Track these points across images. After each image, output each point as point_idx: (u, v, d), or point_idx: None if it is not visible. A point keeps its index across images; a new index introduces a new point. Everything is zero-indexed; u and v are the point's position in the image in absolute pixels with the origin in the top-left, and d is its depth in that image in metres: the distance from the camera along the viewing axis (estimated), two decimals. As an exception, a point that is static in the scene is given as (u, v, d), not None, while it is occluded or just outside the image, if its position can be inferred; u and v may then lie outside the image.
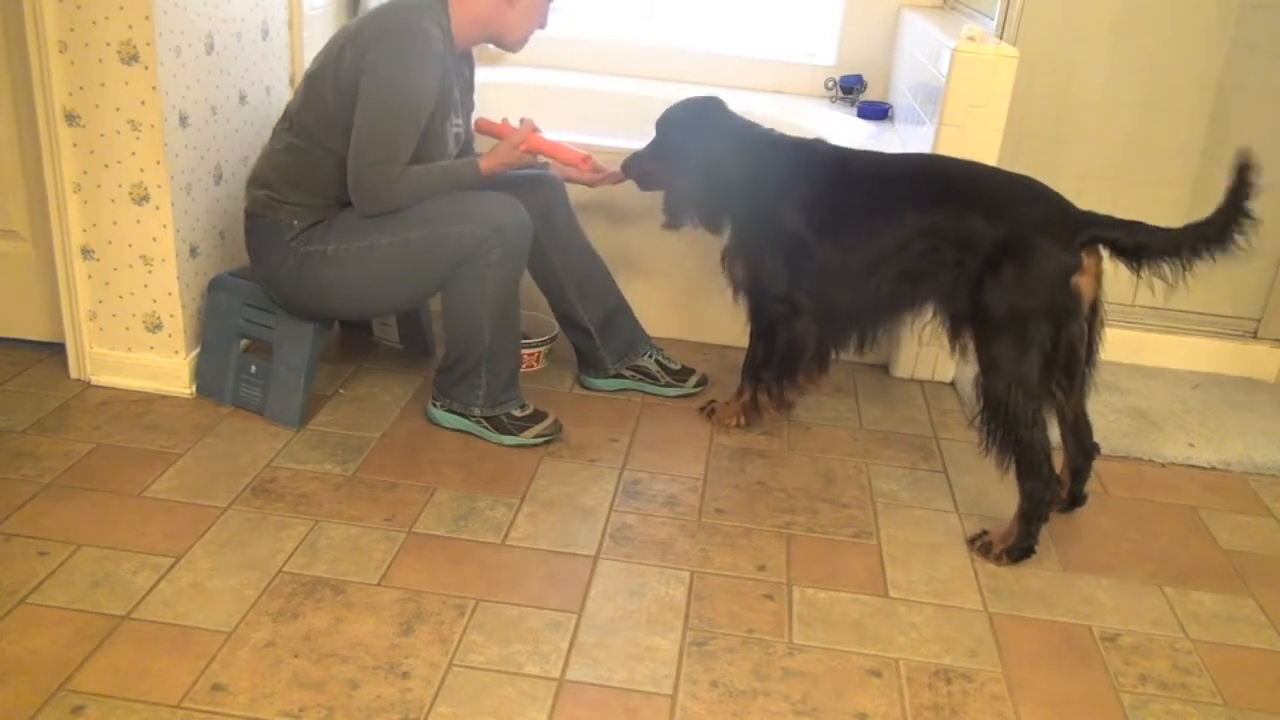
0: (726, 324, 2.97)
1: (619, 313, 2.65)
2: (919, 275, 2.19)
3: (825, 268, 2.28)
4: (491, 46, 2.42)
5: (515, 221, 2.24)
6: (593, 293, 2.60)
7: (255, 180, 2.29)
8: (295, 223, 2.24)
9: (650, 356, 2.67)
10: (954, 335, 2.19)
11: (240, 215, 2.34)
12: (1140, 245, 2.01)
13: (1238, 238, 1.94)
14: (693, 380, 2.68)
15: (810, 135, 2.47)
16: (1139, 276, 2.03)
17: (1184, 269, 1.99)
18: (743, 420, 2.55)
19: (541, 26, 2.39)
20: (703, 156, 2.38)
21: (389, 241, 2.21)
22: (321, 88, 2.20)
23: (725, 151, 2.38)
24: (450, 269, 2.23)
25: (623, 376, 2.67)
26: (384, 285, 2.27)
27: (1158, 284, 2.02)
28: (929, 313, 2.25)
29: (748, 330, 2.50)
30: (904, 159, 2.49)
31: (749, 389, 2.52)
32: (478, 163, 2.30)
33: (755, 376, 2.50)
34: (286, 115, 2.28)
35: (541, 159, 2.42)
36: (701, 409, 2.62)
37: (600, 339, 2.63)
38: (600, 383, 2.68)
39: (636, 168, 2.49)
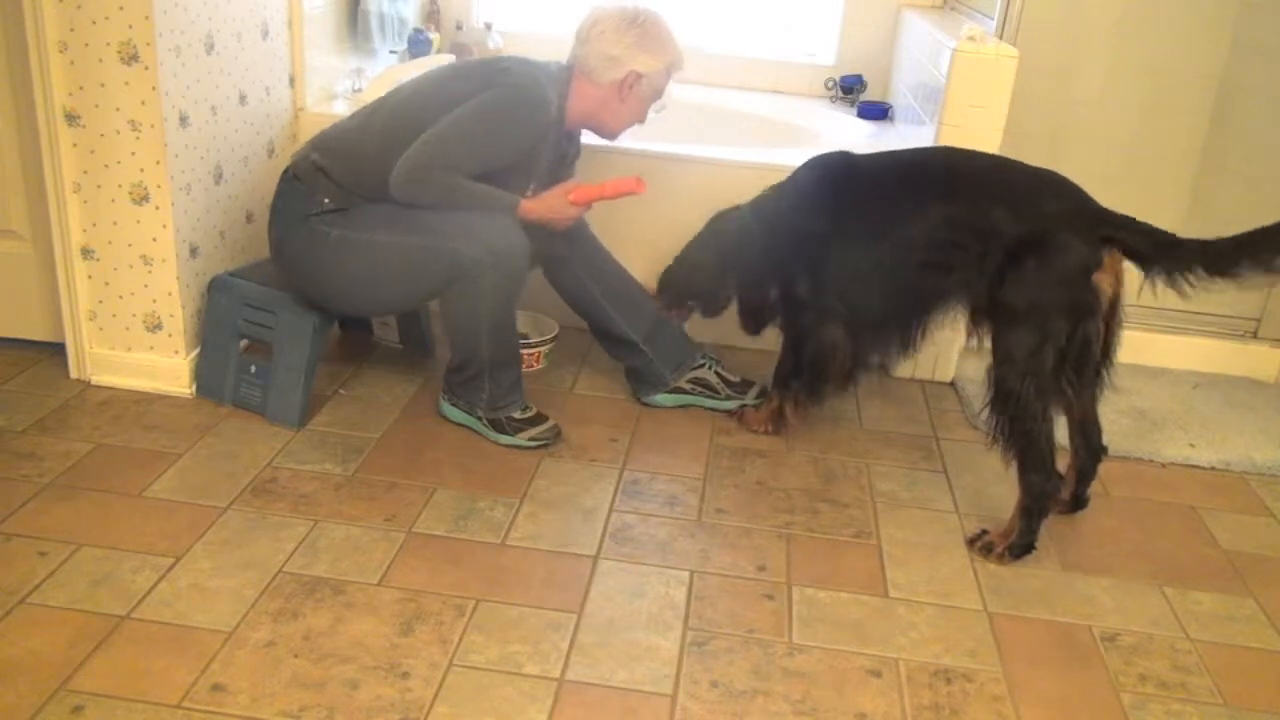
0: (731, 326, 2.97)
1: (664, 323, 2.60)
2: (942, 268, 2.18)
3: (849, 268, 2.29)
4: (490, 44, 2.42)
5: (510, 246, 2.24)
6: (633, 305, 2.57)
7: (314, 143, 2.32)
8: (325, 200, 2.25)
9: (710, 367, 2.61)
10: (973, 327, 2.19)
11: (241, 214, 2.35)
12: (1152, 252, 2.01)
13: (1247, 277, 1.95)
14: (753, 392, 2.61)
15: (810, 135, 2.48)
16: (1151, 282, 2.02)
17: (1192, 284, 1.98)
18: (770, 428, 2.54)
19: (640, 122, 2.44)
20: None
21: (388, 241, 2.22)
22: (428, 99, 2.25)
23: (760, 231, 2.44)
24: (444, 283, 2.24)
25: (683, 390, 2.61)
26: (375, 283, 2.27)
27: (1160, 285, 2.02)
28: (952, 307, 2.25)
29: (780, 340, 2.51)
30: (924, 152, 2.48)
31: (777, 397, 2.52)
32: (520, 201, 2.29)
33: (784, 385, 2.49)
34: (382, 102, 2.32)
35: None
36: (731, 413, 2.61)
37: (651, 351, 2.57)
38: (661, 398, 2.62)
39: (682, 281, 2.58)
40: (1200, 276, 1.97)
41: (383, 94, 2.37)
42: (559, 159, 2.45)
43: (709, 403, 2.62)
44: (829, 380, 2.42)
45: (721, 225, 2.52)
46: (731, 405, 2.61)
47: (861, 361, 2.43)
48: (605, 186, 2.36)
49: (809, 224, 2.33)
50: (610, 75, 2.33)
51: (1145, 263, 2.02)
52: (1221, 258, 1.96)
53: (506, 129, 2.24)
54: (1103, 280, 2.02)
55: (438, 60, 3.39)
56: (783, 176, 2.48)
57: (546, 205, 2.32)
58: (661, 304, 2.61)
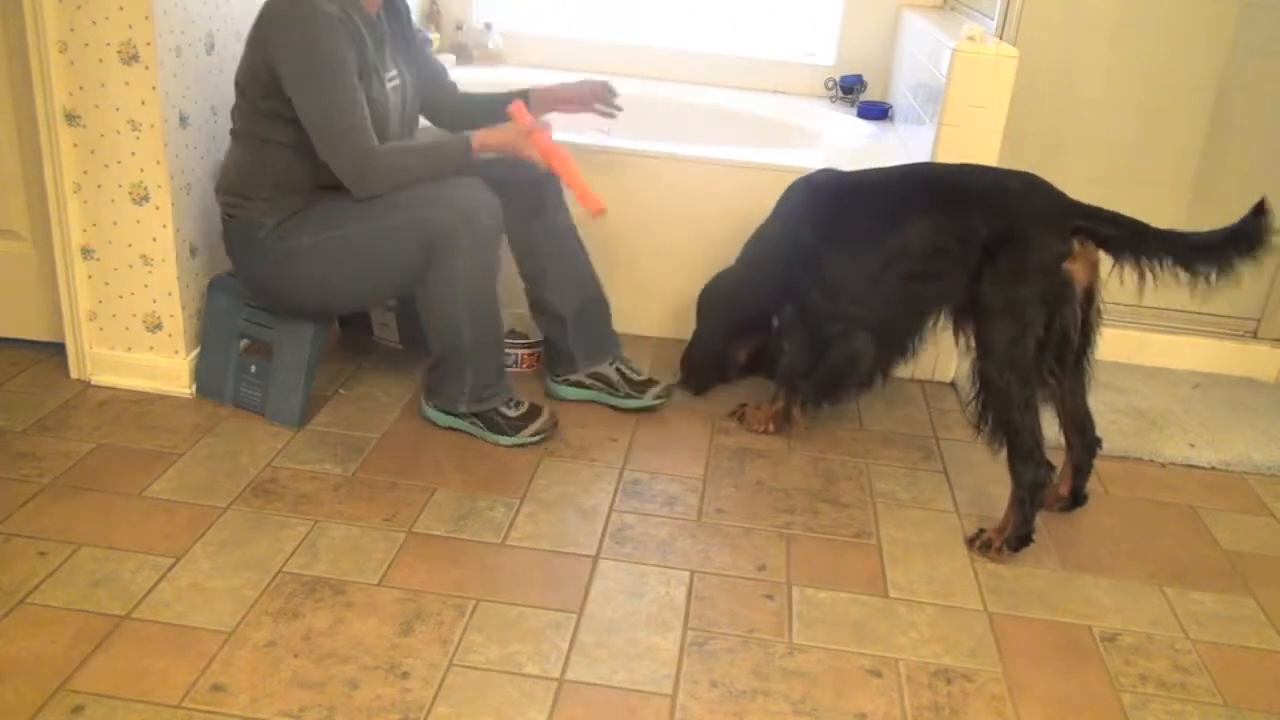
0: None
1: (595, 306, 2.58)
2: (928, 276, 2.22)
3: (847, 280, 2.31)
4: (490, 44, 2.41)
5: (479, 204, 2.21)
6: (571, 279, 2.54)
7: (221, 187, 2.30)
8: (267, 221, 2.24)
9: (612, 364, 2.59)
10: (958, 327, 2.23)
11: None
12: (1118, 239, 2.05)
13: (1213, 269, 1.99)
14: (652, 393, 2.58)
15: (810, 135, 2.48)
16: (1120, 269, 2.07)
17: (1158, 273, 2.03)
18: (771, 428, 2.54)
19: None
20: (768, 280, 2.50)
21: (361, 230, 2.20)
22: (244, 85, 2.20)
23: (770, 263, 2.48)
24: (423, 256, 2.21)
25: (584, 385, 2.59)
26: (361, 273, 2.26)
27: (1147, 282, 2.06)
28: (940, 313, 2.28)
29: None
30: (903, 169, 2.51)
31: (783, 398, 2.51)
32: (469, 138, 2.26)
33: (792, 387, 2.49)
34: (231, 128, 2.28)
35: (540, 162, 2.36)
36: (732, 413, 2.60)
37: (572, 330, 2.55)
38: (566, 391, 2.61)
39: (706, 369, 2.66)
40: (1167, 266, 2.02)
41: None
42: (401, 40, 2.37)
43: (609, 400, 2.59)
44: (850, 387, 2.43)
45: (723, 291, 2.58)
46: (630, 405, 2.58)
47: (885, 369, 2.43)
48: (571, 175, 2.31)
49: (808, 240, 2.35)
50: None
51: (1114, 250, 2.07)
52: (1187, 251, 2.00)
53: (324, 61, 2.09)
54: (1075, 269, 2.05)
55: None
56: (782, 177, 2.49)
57: (501, 141, 2.30)
58: (693, 388, 2.70)
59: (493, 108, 2.49)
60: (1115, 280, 2.12)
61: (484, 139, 2.28)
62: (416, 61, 2.44)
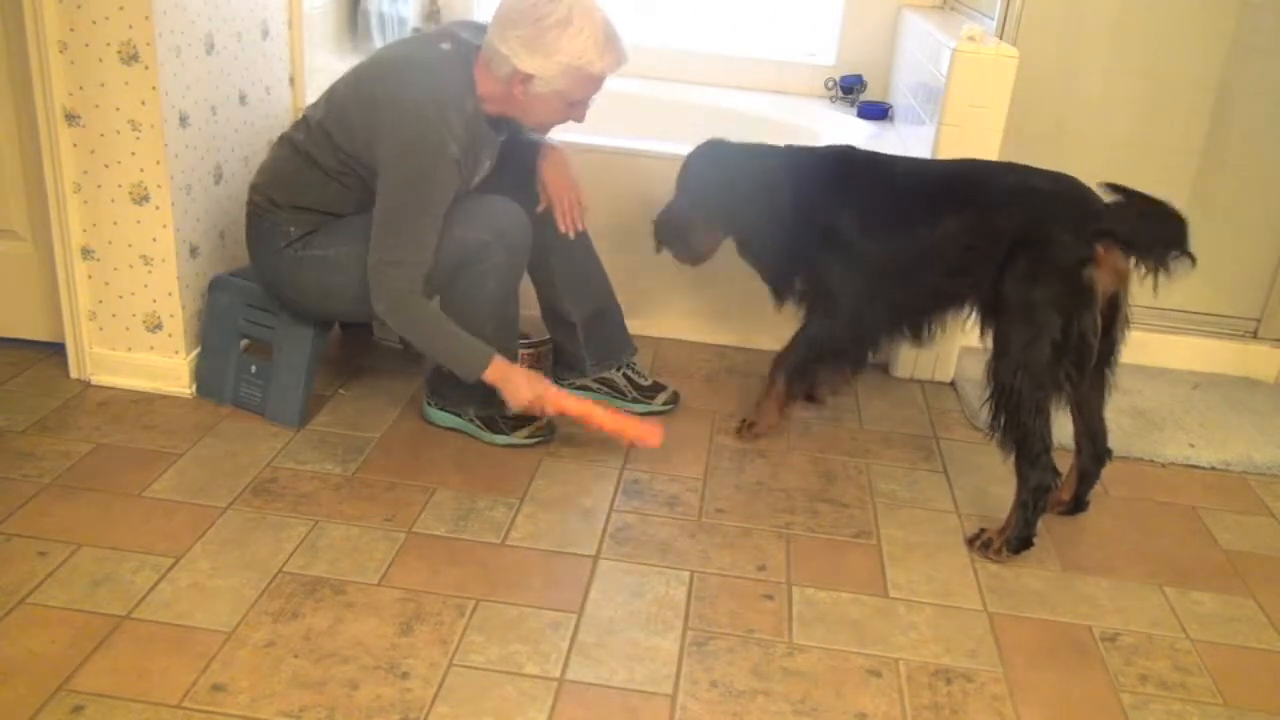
0: (721, 322, 2.98)
1: (608, 313, 2.58)
2: (957, 272, 2.21)
3: (873, 267, 2.28)
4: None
5: (516, 225, 2.24)
6: (584, 288, 2.54)
7: (257, 187, 2.28)
8: (291, 229, 2.23)
9: (619, 370, 2.58)
10: (984, 325, 2.21)
11: (240, 215, 2.35)
12: (1148, 242, 2.02)
13: None
14: (661, 398, 2.59)
15: (810, 135, 2.49)
16: (1165, 269, 2.02)
17: (1190, 259, 2.00)
18: (778, 418, 2.51)
19: (578, 120, 2.24)
20: (740, 185, 2.37)
21: None
22: (333, 130, 2.15)
23: (759, 173, 2.37)
24: (450, 272, 2.22)
25: (590, 390, 2.58)
26: None
27: (1166, 280, 2.02)
28: (966, 306, 2.26)
29: (795, 329, 2.47)
30: (942, 164, 2.50)
31: (781, 381, 2.48)
32: (492, 358, 2.18)
33: (785, 371, 2.46)
34: (293, 136, 2.24)
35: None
36: (738, 429, 2.54)
37: (584, 336, 2.55)
38: (570, 392, 2.58)
39: (671, 229, 2.47)
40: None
41: (299, 118, 2.30)
42: (512, 136, 2.34)
43: (616, 403, 2.57)
44: (839, 367, 2.42)
45: (717, 172, 2.43)
46: (638, 409, 2.56)
47: (868, 352, 2.41)
48: (599, 421, 2.26)
49: (831, 219, 2.29)
50: (501, 70, 2.10)
51: (1143, 251, 2.02)
52: None
53: (424, 197, 2.09)
54: (1098, 275, 2.03)
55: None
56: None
57: (517, 388, 2.20)
58: (682, 257, 2.53)
59: (524, 154, 2.43)
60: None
61: (502, 374, 2.19)
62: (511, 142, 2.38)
